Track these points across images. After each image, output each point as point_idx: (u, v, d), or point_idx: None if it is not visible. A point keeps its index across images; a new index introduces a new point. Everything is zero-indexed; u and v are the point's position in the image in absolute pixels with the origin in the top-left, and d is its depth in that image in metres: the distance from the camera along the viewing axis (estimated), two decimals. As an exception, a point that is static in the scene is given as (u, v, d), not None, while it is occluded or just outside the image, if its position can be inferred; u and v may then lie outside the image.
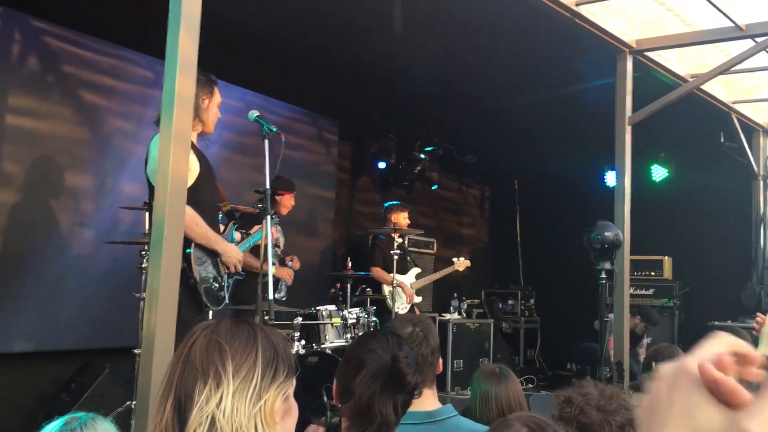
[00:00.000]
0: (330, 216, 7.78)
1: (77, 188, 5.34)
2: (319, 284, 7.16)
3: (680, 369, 0.62)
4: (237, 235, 3.98)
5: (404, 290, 6.43)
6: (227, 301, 3.68)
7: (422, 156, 8.50)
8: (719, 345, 0.64)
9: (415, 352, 1.95)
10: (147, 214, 4.70)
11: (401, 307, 6.40)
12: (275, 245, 5.61)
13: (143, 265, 4.51)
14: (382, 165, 8.31)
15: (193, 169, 3.49)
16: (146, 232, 4.70)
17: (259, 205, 3.88)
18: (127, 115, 5.66)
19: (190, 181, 3.35)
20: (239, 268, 3.72)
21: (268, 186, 3.85)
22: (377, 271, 6.46)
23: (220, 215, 3.96)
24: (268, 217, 3.80)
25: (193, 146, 3.56)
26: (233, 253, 3.69)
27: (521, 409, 2.85)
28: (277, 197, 5.56)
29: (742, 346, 0.64)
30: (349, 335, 5.13)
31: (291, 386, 1.35)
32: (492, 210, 10.81)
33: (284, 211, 5.72)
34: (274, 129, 3.94)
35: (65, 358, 5.31)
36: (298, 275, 6.92)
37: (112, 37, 5.56)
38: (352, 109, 7.85)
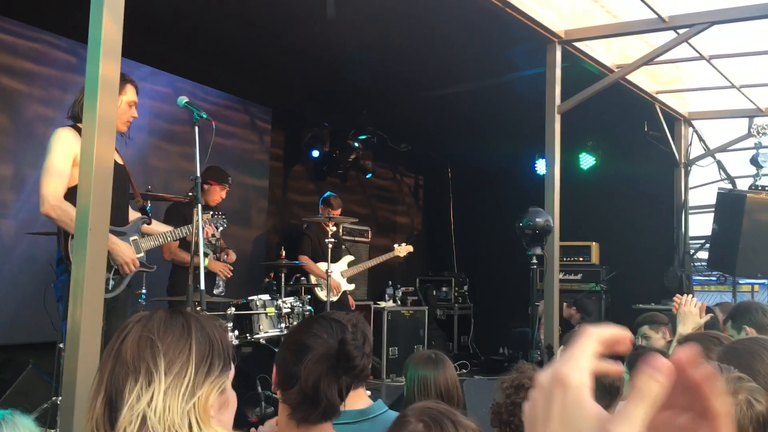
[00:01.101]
0: (263, 205, 7.68)
1: (-4, 177, 5.11)
2: (253, 274, 7.06)
3: (556, 378, 0.62)
4: (159, 228, 4.03)
5: (324, 284, 6.34)
6: (112, 292, 3.56)
7: (356, 144, 8.48)
8: (591, 342, 0.64)
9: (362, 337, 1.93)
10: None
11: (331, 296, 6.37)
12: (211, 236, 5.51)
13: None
14: (315, 153, 8.25)
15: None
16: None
17: (190, 194, 3.80)
18: (48, 101, 5.44)
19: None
20: (131, 268, 3.62)
21: (198, 174, 3.77)
22: (306, 261, 6.41)
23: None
24: (199, 205, 3.73)
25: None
26: (123, 251, 3.58)
27: (458, 392, 2.87)
28: (205, 186, 5.19)
29: (611, 332, 0.64)
30: (283, 325, 5.09)
31: (227, 379, 1.33)
32: (426, 198, 10.89)
33: (212, 202, 5.45)
34: (205, 115, 3.86)
35: (-14, 354, 5.10)
36: (232, 264, 6.82)
37: (31, 19, 5.32)
38: (286, 97, 7.76)
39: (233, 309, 4.62)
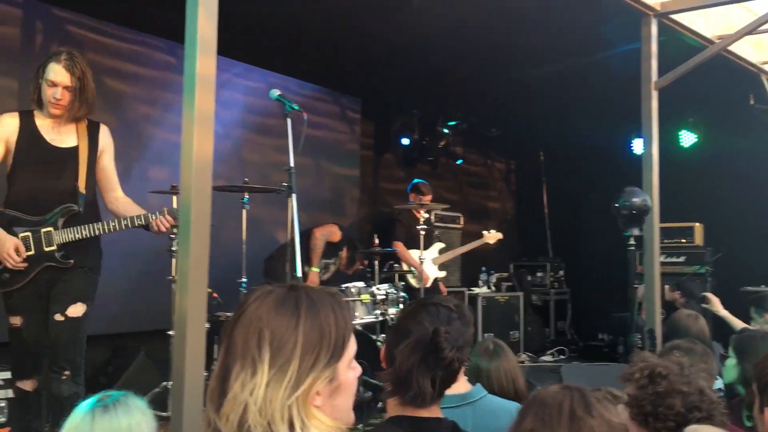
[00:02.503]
0: (355, 194, 7.78)
1: (105, 175, 5.39)
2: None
3: None
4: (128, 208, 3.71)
5: (417, 272, 6.38)
6: (12, 286, 3.41)
7: (446, 131, 8.45)
8: None
9: (465, 328, 1.92)
10: (175, 197, 4.75)
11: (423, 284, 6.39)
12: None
13: (173, 248, 4.57)
14: (405, 141, 8.28)
15: (9, 150, 3.44)
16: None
17: (284, 184, 3.90)
18: (150, 101, 5.71)
19: (9, 162, 3.42)
20: (11, 263, 3.34)
21: (292, 164, 3.86)
22: (400, 248, 6.45)
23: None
24: (293, 195, 3.82)
25: (26, 126, 3.46)
26: (1, 245, 3.34)
27: (514, 385, 2.79)
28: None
29: None
30: (378, 311, 5.16)
31: (336, 368, 1.29)
32: (518, 182, 10.73)
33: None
34: (296, 107, 3.95)
35: (100, 341, 5.40)
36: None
37: (133, 23, 5.58)
38: (374, 86, 7.81)
39: (329, 296, 4.71)
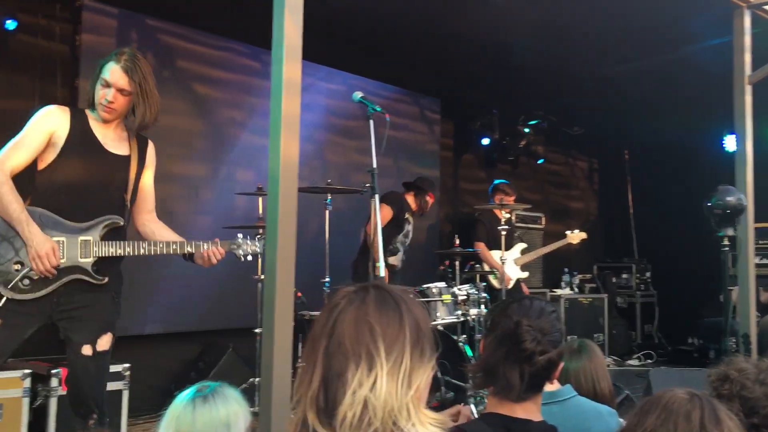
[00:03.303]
0: (435, 195, 7.78)
1: (195, 177, 5.61)
2: (427, 262, 7.20)
3: None
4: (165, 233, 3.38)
5: (499, 272, 6.32)
6: (29, 295, 2.93)
7: (526, 130, 8.35)
8: None
9: (559, 324, 1.91)
10: (260, 198, 4.89)
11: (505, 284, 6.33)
12: (406, 236, 5.94)
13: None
14: (485, 141, 8.23)
15: (57, 143, 3.03)
16: (260, 216, 4.90)
17: (367, 185, 3.94)
18: (236, 105, 5.88)
19: (51, 157, 3.02)
20: (40, 266, 2.88)
21: (375, 166, 3.90)
22: (482, 248, 6.42)
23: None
24: (376, 196, 3.86)
25: (78, 123, 3.10)
26: (39, 245, 2.89)
27: (594, 387, 2.71)
28: (427, 197, 6.04)
29: None
30: (459, 312, 5.15)
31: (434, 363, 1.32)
32: (601, 182, 10.49)
33: (425, 210, 6.15)
34: (379, 109, 3.99)
35: (190, 338, 5.62)
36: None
37: (220, 30, 5.77)
38: (453, 87, 7.80)
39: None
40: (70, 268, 3.00)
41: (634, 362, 8.15)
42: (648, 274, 9.21)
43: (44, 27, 4.94)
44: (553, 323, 1.86)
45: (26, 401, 3.92)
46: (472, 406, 4.85)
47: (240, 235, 3.50)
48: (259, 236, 4.58)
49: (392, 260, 5.88)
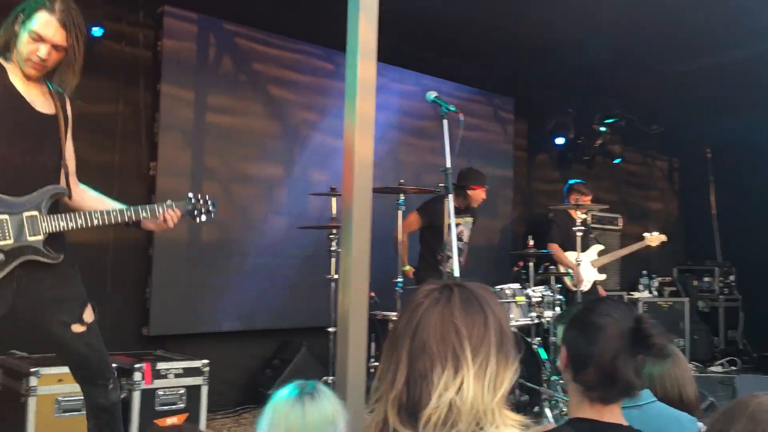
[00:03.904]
0: (509, 195, 7.70)
1: (270, 178, 5.71)
2: (501, 263, 7.13)
3: None
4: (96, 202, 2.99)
5: (574, 274, 6.17)
6: None
7: (603, 129, 8.15)
8: None
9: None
10: (334, 199, 4.93)
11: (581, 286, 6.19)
12: (459, 238, 5.65)
13: (332, 248, 4.74)
14: (560, 141, 8.08)
15: None
16: (333, 216, 4.94)
17: (441, 185, 3.93)
18: (310, 106, 5.96)
19: None
20: None
21: (448, 165, 3.89)
22: (555, 250, 6.30)
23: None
24: (450, 196, 3.84)
25: None
26: None
27: (680, 393, 2.60)
28: (469, 192, 5.64)
29: None
30: (534, 314, 5.06)
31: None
32: (682, 182, 10.13)
33: (475, 204, 5.77)
34: (453, 108, 3.97)
35: (266, 336, 5.73)
36: (478, 253, 6.93)
37: (294, 32, 5.86)
38: (527, 86, 7.68)
39: (484, 298, 4.69)
40: (20, 248, 2.66)
41: (716, 369, 7.85)
42: (732, 278, 8.84)
43: (128, 33, 5.13)
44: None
45: (111, 394, 4.05)
46: (548, 411, 4.76)
47: (191, 194, 3.20)
48: (332, 236, 4.64)
49: (446, 268, 5.82)
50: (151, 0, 5.19)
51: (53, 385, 3.86)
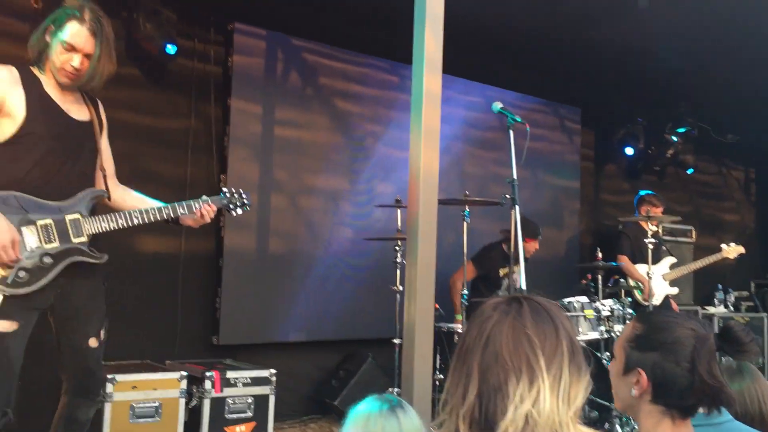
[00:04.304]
0: (575, 206, 7.56)
1: (336, 190, 5.77)
2: (567, 275, 7.00)
3: None
4: (137, 201, 3.08)
5: (644, 287, 5.99)
6: (27, 288, 2.71)
7: (674, 138, 7.93)
8: None
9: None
10: (399, 211, 4.95)
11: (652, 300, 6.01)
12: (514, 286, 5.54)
13: (397, 260, 4.76)
14: (629, 151, 7.89)
15: (15, 113, 2.73)
16: (399, 228, 4.96)
17: (507, 196, 3.89)
18: (375, 119, 6.01)
19: (10, 130, 2.72)
20: (4, 258, 2.64)
21: (515, 177, 3.86)
22: (625, 262, 6.15)
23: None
24: (517, 207, 3.81)
25: (32, 86, 2.80)
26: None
27: (761, 411, 2.48)
28: (524, 243, 5.43)
29: None
30: (603, 328, 4.95)
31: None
32: (759, 192, 9.75)
33: (528, 255, 5.50)
34: (519, 119, 3.95)
35: (331, 347, 5.78)
36: (544, 266, 6.82)
37: (360, 46, 5.93)
38: (595, 96, 7.55)
39: (551, 311, 4.61)
40: (67, 251, 2.79)
41: (798, 388, 7.48)
42: (815, 293, 8.45)
43: (200, 50, 5.29)
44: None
45: (183, 402, 4.16)
46: (618, 428, 4.63)
47: (225, 189, 3.34)
48: (397, 248, 4.66)
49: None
50: (222, 18, 5.34)
51: (128, 392, 3.99)
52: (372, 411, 1.75)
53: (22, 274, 2.69)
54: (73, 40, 2.77)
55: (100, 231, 2.88)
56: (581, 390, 1.23)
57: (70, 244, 2.80)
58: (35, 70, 2.85)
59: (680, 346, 1.71)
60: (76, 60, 2.79)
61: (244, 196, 3.37)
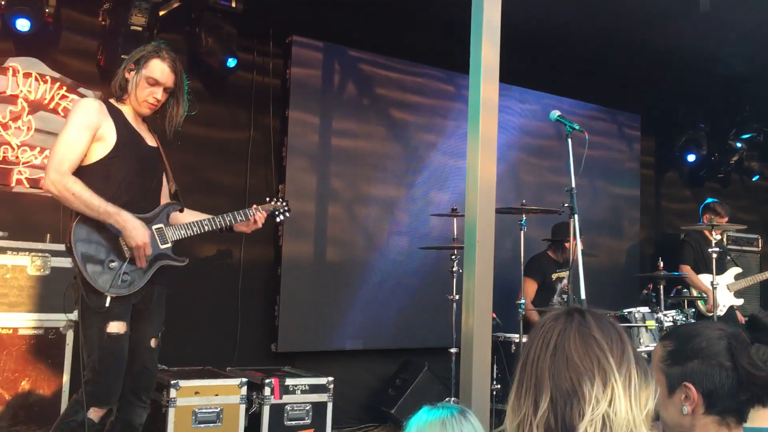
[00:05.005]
0: (635, 215, 7.41)
1: (392, 199, 5.80)
2: (628, 285, 6.86)
3: None
4: (187, 216, 3.39)
5: (708, 298, 5.83)
6: (130, 290, 3.06)
7: (739, 145, 7.71)
8: None
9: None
10: (455, 220, 4.95)
11: (717, 311, 5.84)
12: (563, 291, 5.46)
13: (453, 269, 4.75)
14: (691, 158, 7.70)
15: (107, 138, 3.09)
16: (455, 237, 4.95)
17: (566, 205, 3.86)
18: (430, 128, 6.02)
19: (102, 153, 3.07)
20: (143, 252, 3.05)
21: (573, 185, 3.82)
22: (688, 272, 5.99)
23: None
24: (575, 216, 3.77)
25: (117, 117, 3.16)
26: (136, 230, 3.02)
27: None
28: (566, 245, 5.25)
29: None
30: (665, 339, 4.83)
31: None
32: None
33: (565, 258, 5.49)
34: (577, 127, 3.91)
35: (388, 355, 5.79)
36: (605, 276, 6.70)
37: (415, 56, 5.96)
38: (655, 102, 7.41)
39: (611, 321, 4.54)
40: (157, 256, 3.17)
41: None
42: None
43: (259, 63, 5.40)
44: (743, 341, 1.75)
45: (243, 408, 4.24)
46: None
47: (269, 199, 3.69)
48: (453, 257, 4.65)
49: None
50: (280, 31, 5.44)
51: (191, 397, 4.08)
52: (445, 416, 1.76)
53: (126, 277, 3.04)
54: (156, 75, 3.17)
55: (181, 238, 3.26)
56: (650, 394, 1.25)
57: (159, 250, 3.18)
58: (115, 103, 3.23)
59: (717, 347, 1.68)
60: (158, 93, 3.20)
61: (285, 203, 3.71)
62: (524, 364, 1.30)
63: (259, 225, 3.52)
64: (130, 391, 3.17)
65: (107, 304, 2.96)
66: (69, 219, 3.08)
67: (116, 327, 2.99)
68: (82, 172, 3.04)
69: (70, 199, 2.95)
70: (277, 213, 3.66)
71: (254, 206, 3.52)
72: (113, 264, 3.03)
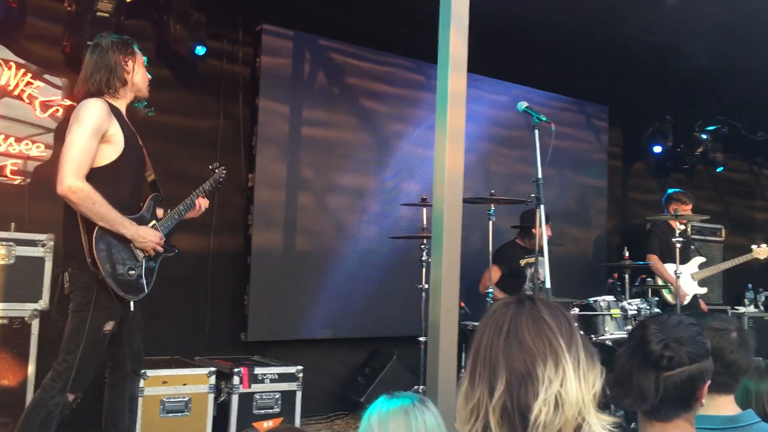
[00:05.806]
0: (603, 205, 7.52)
1: (362, 188, 5.81)
2: (594, 274, 6.97)
3: None
4: (159, 212, 3.48)
5: (676, 288, 5.94)
6: (146, 290, 3.27)
7: (704, 136, 7.85)
8: None
9: (702, 339, 1.80)
10: (425, 209, 4.98)
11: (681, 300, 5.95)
12: (532, 279, 5.52)
13: (423, 258, 4.79)
14: (657, 149, 7.82)
15: (117, 142, 3.15)
16: (424, 227, 4.98)
17: (532, 195, 3.90)
18: (400, 118, 6.04)
19: (113, 156, 3.12)
20: (159, 249, 3.29)
21: (540, 176, 3.86)
22: (655, 261, 6.09)
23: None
24: (542, 206, 3.81)
25: (119, 116, 3.21)
26: (147, 236, 3.20)
27: None
28: (534, 231, 4.96)
29: None
30: (629, 327, 4.92)
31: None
32: (791, 191, 9.61)
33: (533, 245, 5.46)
34: (544, 118, 3.95)
35: (357, 344, 5.82)
36: (571, 265, 6.80)
37: (386, 46, 5.96)
38: (622, 93, 7.50)
39: (577, 310, 4.62)
40: (158, 253, 3.33)
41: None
42: None
43: (229, 51, 5.37)
44: (693, 335, 1.73)
45: (212, 397, 4.24)
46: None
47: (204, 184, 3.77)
48: (423, 246, 4.68)
49: None
50: (250, 19, 5.41)
51: (159, 387, 4.08)
52: (407, 404, 1.77)
53: (141, 281, 3.21)
54: (144, 59, 3.37)
55: (170, 228, 3.42)
56: (597, 376, 1.29)
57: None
58: (110, 101, 3.21)
59: (630, 340, 1.80)
60: (148, 73, 3.39)
61: (222, 168, 3.92)
62: (477, 351, 1.32)
63: (201, 213, 3.69)
64: (131, 370, 3.33)
65: (132, 308, 3.18)
66: (70, 227, 3.08)
67: (111, 325, 3.10)
68: (92, 175, 3.04)
69: (90, 207, 2.98)
70: (218, 186, 3.84)
71: (194, 192, 3.63)
72: (132, 272, 3.16)
